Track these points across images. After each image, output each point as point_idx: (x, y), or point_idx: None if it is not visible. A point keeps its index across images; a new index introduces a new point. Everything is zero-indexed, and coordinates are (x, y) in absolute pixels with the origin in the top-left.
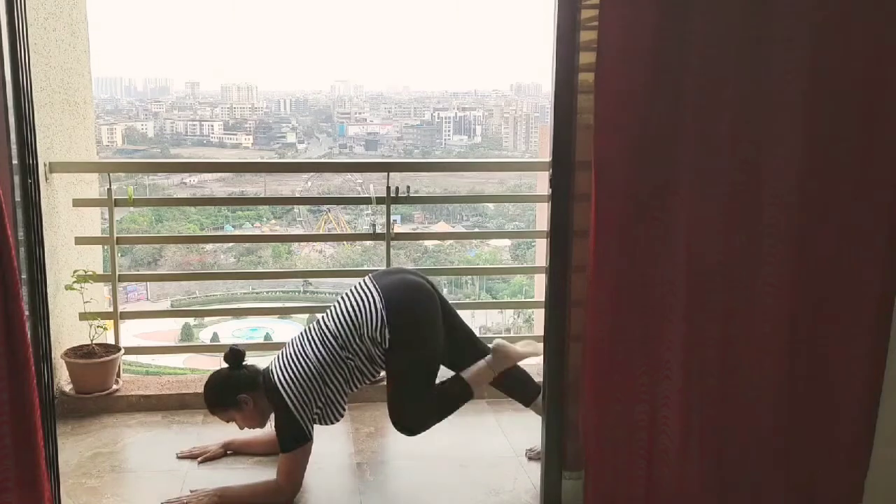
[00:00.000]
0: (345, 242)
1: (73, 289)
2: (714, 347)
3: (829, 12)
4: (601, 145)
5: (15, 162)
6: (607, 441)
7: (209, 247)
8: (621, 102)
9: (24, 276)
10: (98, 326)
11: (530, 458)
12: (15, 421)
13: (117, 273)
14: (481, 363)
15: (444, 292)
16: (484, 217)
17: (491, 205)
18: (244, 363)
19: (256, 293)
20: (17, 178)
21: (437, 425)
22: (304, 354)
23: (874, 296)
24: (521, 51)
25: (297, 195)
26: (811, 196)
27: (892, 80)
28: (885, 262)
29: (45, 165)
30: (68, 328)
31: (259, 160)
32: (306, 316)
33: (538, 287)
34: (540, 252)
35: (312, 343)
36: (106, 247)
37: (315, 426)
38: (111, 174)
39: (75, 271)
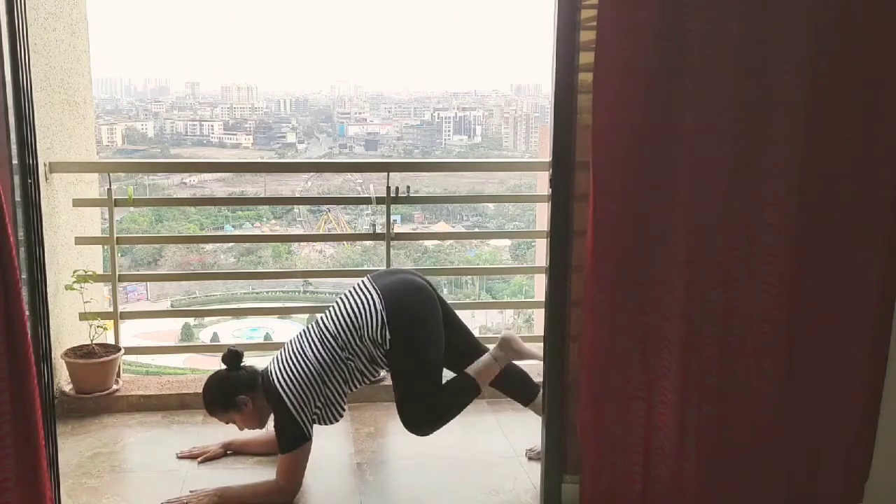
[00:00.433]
0: (345, 242)
1: (73, 289)
2: (712, 346)
3: (828, 12)
4: (599, 145)
5: (15, 162)
6: (604, 438)
7: (209, 247)
8: (619, 102)
9: (24, 276)
10: (98, 326)
11: (530, 458)
12: (16, 421)
13: (117, 273)
14: (486, 357)
15: (444, 292)
16: (484, 217)
17: (491, 205)
18: (242, 364)
19: (256, 293)
20: (17, 178)
21: None
22: (303, 355)
23: (874, 297)
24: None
25: (297, 195)
26: (810, 196)
27: (892, 80)
28: (886, 262)
29: (45, 165)
30: (68, 328)
31: (259, 160)
32: (306, 316)
33: (538, 287)
34: (540, 252)
35: (312, 344)
36: (106, 247)
37: (315, 426)
38: (111, 174)
39: (75, 271)
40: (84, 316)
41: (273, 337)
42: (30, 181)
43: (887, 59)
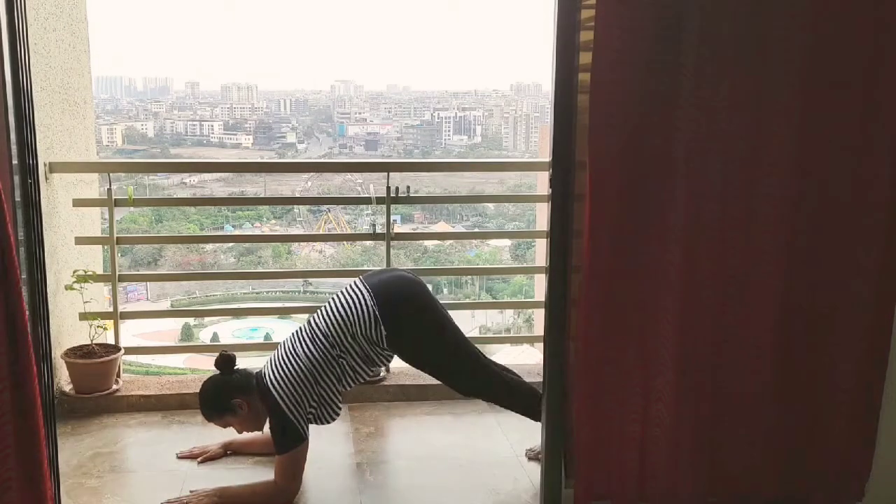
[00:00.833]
0: (345, 242)
1: (73, 289)
2: (709, 344)
3: (826, 11)
4: (595, 144)
5: (15, 162)
6: (600, 433)
7: (209, 247)
8: (616, 101)
9: (24, 276)
10: (98, 326)
11: (530, 458)
12: (17, 420)
13: (117, 273)
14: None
15: (444, 292)
16: (484, 217)
17: (491, 205)
18: (236, 367)
19: (256, 293)
20: (17, 178)
21: (437, 425)
22: (295, 355)
23: (873, 294)
24: (521, 51)
25: (297, 195)
26: (808, 195)
27: (889, 79)
28: (884, 261)
29: (45, 165)
30: (68, 328)
31: (259, 160)
32: (306, 316)
33: (538, 287)
34: (540, 252)
35: (303, 343)
36: (106, 247)
37: (313, 426)
38: (111, 174)
39: (75, 271)
40: (84, 316)
41: (273, 337)
42: (30, 181)
43: (885, 58)
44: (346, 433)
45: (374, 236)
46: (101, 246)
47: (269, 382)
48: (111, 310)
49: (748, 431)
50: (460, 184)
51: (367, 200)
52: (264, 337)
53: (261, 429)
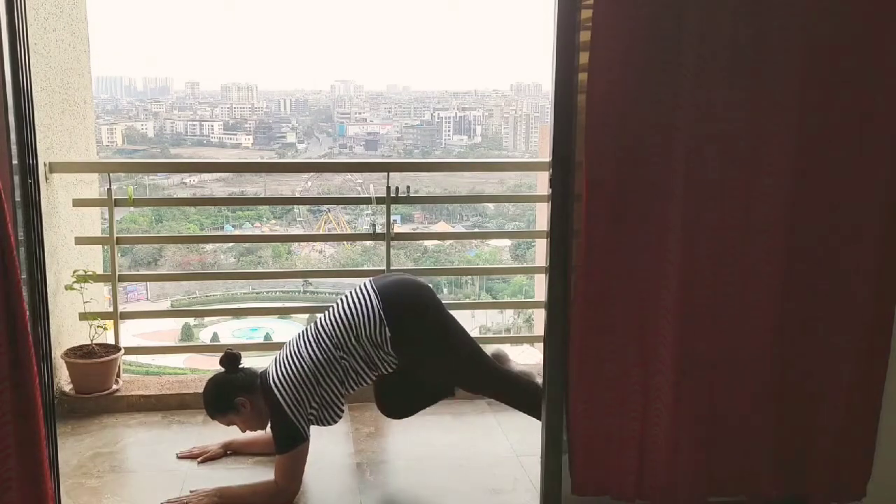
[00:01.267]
0: (345, 242)
1: (73, 289)
2: (707, 341)
3: (823, 10)
4: (592, 143)
5: (15, 162)
6: (598, 430)
7: (209, 247)
8: (613, 101)
9: (24, 276)
10: (98, 326)
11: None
12: (17, 421)
13: (117, 273)
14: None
15: (444, 292)
16: (484, 217)
17: (491, 205)
18: (241, 366)
19: (256, 293)
20: (17, 178)
21: (437, 425)
22: (299, 355)
23: (873, 294)
24: (521, 51)
25: (297, 195)
26: (807, 194)
27: (887, 79)
28: (881, 259)
29: (45, 165)
30: (68, 328)
31: (259, 160)
32: (306, 316)
33: (538, 287)
34: (540, 252)
35: (308, 344)
36: (106, 247)
37: (314, 426)
38: (111, 174)
39: (75, 271)
40: (84, 316)
41: (273, 337)
42: (30, 181)
43: (882, 58)
44: (346, 433)
45: (374, 236)
46: (101, 246)
47: (271, 382)
48: (111, 310)
49: (747, 430)
50: (460, 184)
51: (367, 200)
52: (264, 337)
53: (264, 428)
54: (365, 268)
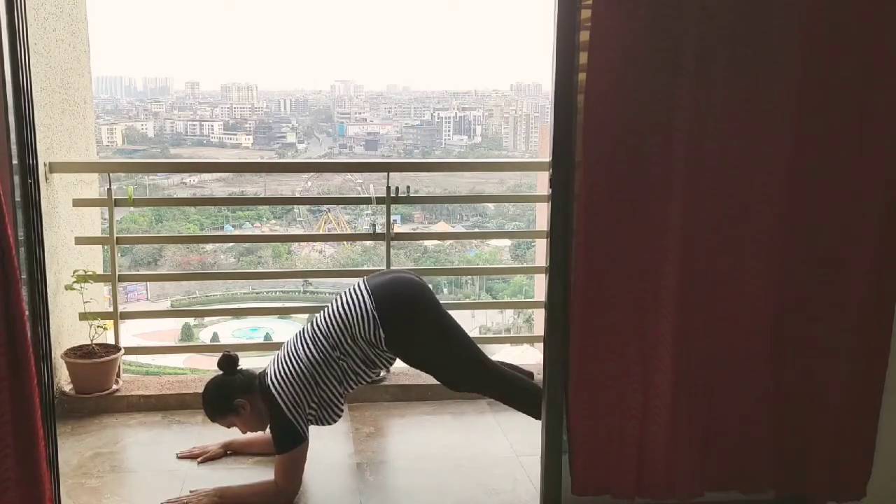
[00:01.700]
0: (345, 242)
1: (73, 289)
2: (706, 340)
3: (821, 11)
4: (590, 144)
5: (15, 162)
6: (598, 430)
7: (209, 247)
8: (611, 101)
9: (24, 276)
10: (98, 326)
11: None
12: (16, 421)
13: (117, 273)
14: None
15: (444, 292)
16: (484, 217)
17: (491, 205)
18: (239, 367)
19: (256, 293)
20: (17, 178)
21: (437, 425)
22: (296, 355)
23: (873, 293)
24: (521, 51)
25: (297, 195)
26: (804, 192)
27: (885, 79)
28: (881, 259)
29: (45, 165)
30: (68, 328)
31: (259, 160)
32: (306, 316)
33: (538, 287)
34: (540, 252)
35: (305, 344)
36: (106, 247)
37: (314, 426)
38: (111, 174)
39: (75, 271)
40: (84, 316)
41: (273, 337)
42: (30, 181)
43: (881, 58)
44: (346, 433)
45: (374, 236)
46: (101, 246)
47: (270, 382)
48: (111, 310)
49: (747, 430)
50: (460, 184)
51: (367, 200)
52: (264, 337)
53: (263, 429)
54: (365, 268)
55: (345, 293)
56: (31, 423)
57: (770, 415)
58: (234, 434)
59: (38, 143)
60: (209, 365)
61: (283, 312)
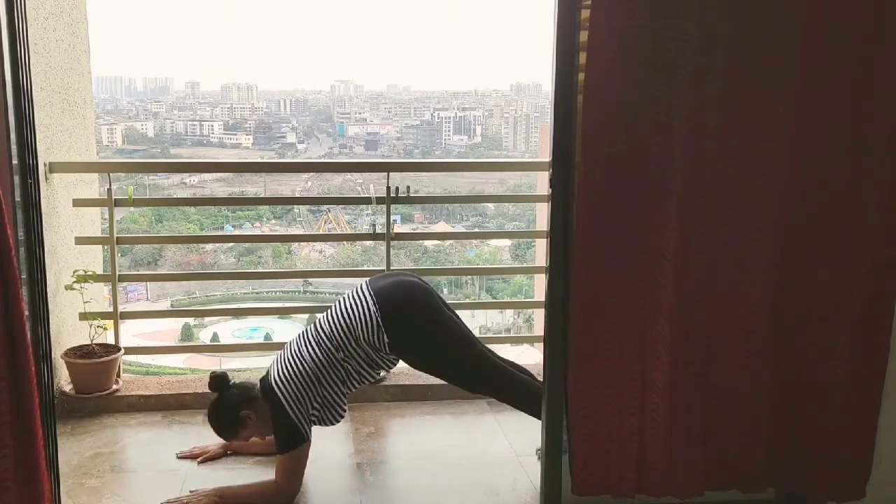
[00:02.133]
0: (345, 242)
1: (73, 289)
2: (704, 339)
3: (818, 12)
4: (590, 143)
5: (15, 162)
6: (598, 429)
7: (209, 247)
8: (610, 101)
9: (23, 276)
10: (98, 326)
11: (540, 459)
12: (15, 421)
13: (117, 273)
14: None
15: (444, 292)
16: (484, 217)
17: (491, 205)
18: (231, 382)
19: (256, 293)
20: (17, 178)
21: (437, 425)
22: (300, 356)
23: (872, 292)
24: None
25: (297, 195)
26: (804, 192)
27: (884, 79)
28: (880, 258)
29: (45, 165)
30: (68, 328)
31: (259, 160)
32: (306, 316)
33: (538, 287)
34: (540, 252)
35: (308, 345)
36: (106, 247)
37: (315, 426)
38: (111, 174)
39: (75, 271)
40: (84, 316)
41: (273, 337)
42: (30, 181)
43: (879, 59)
44: (346, 433)
45: (374, 236)
46: (101, 246)
47: (273, 382)
48: (111, 310)
49: (747, 429)
50: (460, 184)
51: (367, 200)
52: (264, 337)
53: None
54: (365, 268)
55: (348, 296)
56: (31, 424)
57: (769, 414)
58: None
59: (38, 143)
60: (209, 365)
61: (283, 312)
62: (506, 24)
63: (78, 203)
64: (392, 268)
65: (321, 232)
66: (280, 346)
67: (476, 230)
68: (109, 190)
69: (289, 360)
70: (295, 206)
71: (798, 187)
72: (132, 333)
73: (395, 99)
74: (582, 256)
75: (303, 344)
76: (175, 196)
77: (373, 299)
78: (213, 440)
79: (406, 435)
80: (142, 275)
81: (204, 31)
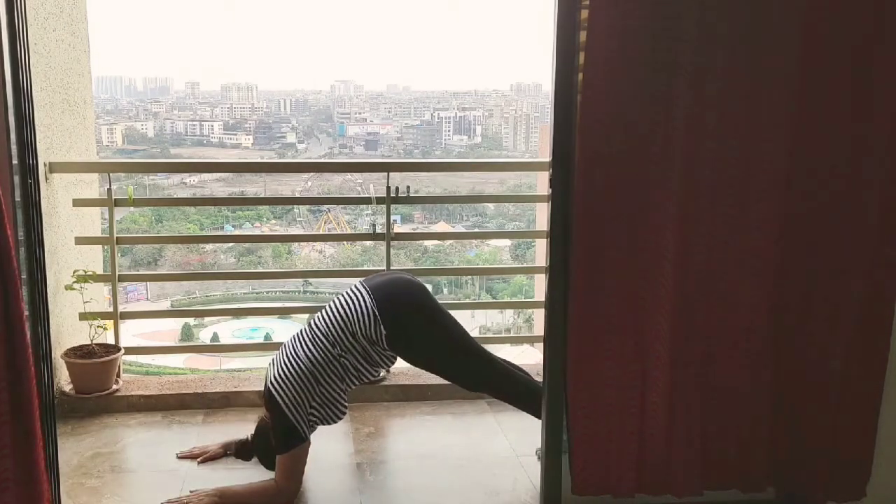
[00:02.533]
0: (345, 242)
1: (73, 289)
2: (703, 339)
3: (822, 12)
4: (588, 143)
5: (15, 162)
6: (598, 429)
7: (209, 247)
8: (609, 100)
9: (24, 276)
10: (98, 326)
11: (540, 458)
12: (15, 421)
13: (117, 273)
14: None
15: (444, 292)
16: (484, 217)
17: (491, 205)
18: (247, 438)
19: (256, 293)
20: (17, 178)
21: (437, 425)
22: (295, 355)
23: (872, 292)
24: (521, 51)
25: (297, 195)
26: (803, 192)
27: (884, 78)
28: (880, 258)
29: (45, 165)
30: (68, 328)
31: (259, 160)
32: (306, 316)
33: (538, 287)
34: (540, 252)
35: (304, 344)
36: (106, 247)
37: (315, 426)
38: (111, 174)
39: (75, 271)
40: (84, 316)
41: (273, 337)
42: (30, 181)
43: (877, 59)
44: (346, 433)
45: (374, 236)
46: (101, 246)
47: (270, 384)
48: (111, 310)
49: (747, 429)
50: (460, 184)
51: (367, 200)
52: (264, 337)
53: None
54: (365, 268)
55: (343, 294)
56: (31, 424)
57: (769, 414)
58: (234, 434)
59: (38, 143)
60: (209, 365)
61: (283, 312)
62: (506, 24)
63: (78, 203)
64: (392, 268)
65: (321, 232)
66: (280, 346)
67: (476, 230)
68: (109, 190)
69: (285, 361)
70: (295, 206)
71: (798, 187)
72: (132, 333)
73: (395, 99)
74: (582, 256)
75: (298, 344)
76: (175, 196)
77: (369, 295)
78: (212, 440)
79: (406, 435)
80: (142, 275)
81: (204, 31)
